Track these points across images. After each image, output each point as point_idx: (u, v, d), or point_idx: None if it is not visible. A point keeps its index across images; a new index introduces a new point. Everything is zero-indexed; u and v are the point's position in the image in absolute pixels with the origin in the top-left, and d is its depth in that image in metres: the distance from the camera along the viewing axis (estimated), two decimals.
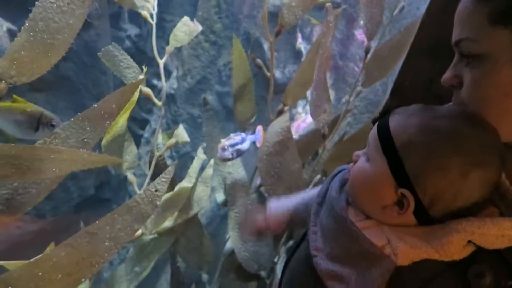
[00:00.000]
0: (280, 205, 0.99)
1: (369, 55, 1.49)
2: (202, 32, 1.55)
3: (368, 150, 0.72)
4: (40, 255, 1.00)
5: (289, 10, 1.22)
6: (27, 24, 0.80)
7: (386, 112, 0.72)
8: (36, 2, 0.83)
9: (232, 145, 1.26)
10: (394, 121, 0.68)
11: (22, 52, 0.80)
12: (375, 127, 0.71)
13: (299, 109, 1.78)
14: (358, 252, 0.67)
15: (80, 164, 0.91)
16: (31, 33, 0.80)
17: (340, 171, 0.87)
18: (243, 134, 1.30)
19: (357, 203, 0.73)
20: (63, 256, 1.01)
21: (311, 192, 1.05)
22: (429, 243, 0.62)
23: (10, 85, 0.83)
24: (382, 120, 0.70)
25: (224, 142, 1.26)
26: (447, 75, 0.73)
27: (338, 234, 0.71)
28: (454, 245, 0.61)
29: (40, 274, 0.99)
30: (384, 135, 0.67)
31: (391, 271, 0.63)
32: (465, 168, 0.61)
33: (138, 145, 1.91)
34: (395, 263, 0.62)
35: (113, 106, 1.00)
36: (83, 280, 1.07)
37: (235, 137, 1.28)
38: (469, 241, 0.61)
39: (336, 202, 0.74)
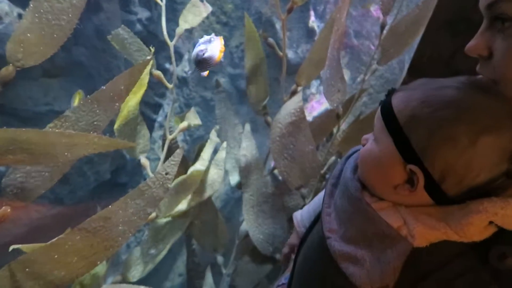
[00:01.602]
0: (304, 216, 1.00)
1: (384, 31, 1.43)
2: (213, 13, 1.52)
3: (374, 131, 0.70)
4: (56, 238, 1.01)
5: None
6: (31, 5, 0.79)
7: (390, 92, 0.70)
8: None
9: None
10: (397, 97, 0.66)
11: (28, 34, 0.79)
12: (378, 107, 0.69)
13: (313, 90, 1.74)
14: (373, 234, 0.65)
15: (91, 147, 0.91)
16: (36, 14, 0.79)
17: (355, 151, 0.85)
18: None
19: (369, 186, 0.71)
20: (78, 239, 1.02)
21: (312, 203, 1.04)
22: (448, 224, 0.60)
23: (17, 68, 0.83)
24: (385, 100, 0.68)
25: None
26: (473, 43, 0.67)
27: (353, 215, 0.70)
28: (474, 226, 0.58)
29: (56, 256, 1.01)
30: (387, 113, 0.65)
31: (407, 252, 0.61)
32: (472, 135, 0.58)
33: (151, 129, 1.91)
34: (412, 244, 0.60)
35: (122, 87, 0.99)
36: (98, 262, 1.09)
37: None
38: (490, 222, 0.59)
39: (351, 183, 0.72)
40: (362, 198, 0.68)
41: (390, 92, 0.70)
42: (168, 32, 1.39)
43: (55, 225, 1.74)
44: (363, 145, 0.75)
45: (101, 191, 1.88)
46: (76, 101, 1.42)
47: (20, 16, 1.34)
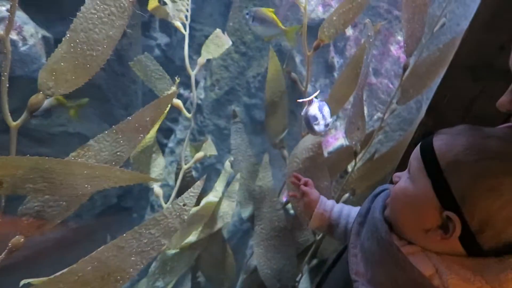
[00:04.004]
0: (327, 202, 1.03)
1: (406, 72, 1.43)
2: (232, 43, 1.52)
3: (411, 170, 0.68)
4: (66, 269, 0.97)
5: (330, 24, 1.18)
6: (68, 35, 0.77)
7: (428, 133, 0.69)
8: (78, 13, 0.81)
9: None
10: (439, 140, 0.65)
11: (62, 64, 0.78)
12: (417, 147, 0.68)
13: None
14: (404, 281, 0.63)
15: (113, 181, 0.89)
16: (72, 44, 0.78)
17: (382, 190, 0.83)
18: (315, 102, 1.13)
19: (398, 226, 0.70)
20: (89, 270, 0.98)
21: (347, 207, 1.02)
22: (484, 277, 0.58)
23: (47, 97, 0.81)
24: (425, 140, 0.67)
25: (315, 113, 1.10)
26: (504, 100, 0.68)
27: (383, 260, 0.67)
28: None
29: None
30: (428, 155, 0.64)
31: None
32: None
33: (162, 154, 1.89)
34: None
35: (147, 119, 0.97)
36: None
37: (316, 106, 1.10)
38: None
39: (381, 225, 0.70)
40: (393, 242, 0.66)
41: (429, 134, 0.69)
42: (183, 58, 1.39)
43: (57, 246, 1.70)
44: (395, 183, 0.73)
45: (107, 215, 1.84)
46: (72, 113, 1.37)
47: (44, 38, 1.34)
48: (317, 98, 1.11)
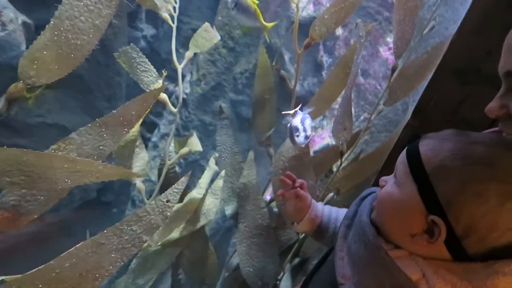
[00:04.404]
0: (318, 206, 1.01)
1: (395, 74, 1.44)
2: (220, 37, 1.49)
3: (397, 175, 0.68)
4: (43, 266, 0.94)
5: (322, 22, 1.17)
6: (52, 22, 0.73)
7: (415, 137, 0.68)
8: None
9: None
10: (425, 145, 0.64)
11: (45, 52, 0.74)
12: (404, 152, 0.68)
13: (315, 124, 1.73)
14: (391, 286, 0.62)
15: (94, 176, 0.85)
16: (56, 32, 0.74)
17: (369, 193, 0.83)
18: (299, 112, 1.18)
19: (384, 230, 0.69)
20: (67, 267, 0.95)
21: (334, 209, 1.01)
22: (470, 283, 0.58)
23: (28, 86, 0.77)
24: (411, 145, 0.67)
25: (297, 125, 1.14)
26: (493, 105, 0.68)
27: (370, 263, 0.67)
28: None
29: (40, 286, 0.94)
30: (414, 160, 0.64)
31: None
32: (502, 196, 0.56)
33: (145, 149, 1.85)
34: None
35: (133, 113, 0.94)
36: None
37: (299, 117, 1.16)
38: None
39: (368, 228, 0.70)
40: (380, 245, 0.66)
41: (415, 138, 0.69)
42: (169, 51, 1.35)
43: (33, 241, 1.64)
44: (382, 187, 0.73)
45: (85, 209, 1.79)
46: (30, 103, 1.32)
47: (25, 24, 1.28)
48: (302, 110, 1.15)
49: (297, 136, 1.13)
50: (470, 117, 1.35)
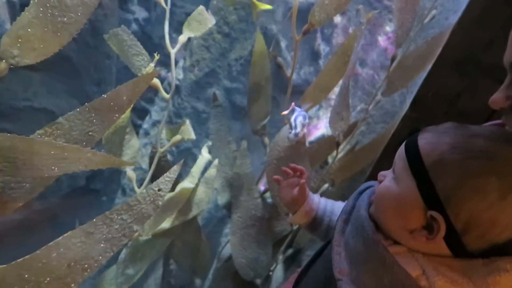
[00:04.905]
0: (314, 198, 0.98)
1: (394, 63, 1.41)
2: (215, 22, 1.44)
3: (395, 169, 0.67)
4: (28, 256, 0.90)
5: (322, 8, 1.13)
6: None
7: (414, 130, 0.67)
8: None
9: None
10: (424, 139, 0.63)
11: (29, 30, 0.69)
12: (402, 146, 0.67)
13: (311, 114, 1.70)
14: (390, 282, 0.61)
15: (83, 163, 0.81)
16: (41, 8, 0.69)
17: (367, 187, 0.81)
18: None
19: (383, 226, 0.68)
20: (54, 257, 0.91)
21: (329, 202, 0.99)
22: (472, 280, 0.57)
23: (11, 66, 0.72)
24: (410, 139, 0.65)
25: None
26: (498, 96, 0.66)
27: (368, 259, 0.65)
28: (501, 286, 0.55)
29: (26, 276, 0.90)
30: (413, 154, 0.62)
31: None
32: (503, 190, 0.55)
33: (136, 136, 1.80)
34: None
35: (124, 98, 0.89)
36: (73, 285, 0.97)
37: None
38: None
39: (367, 223, 0.68)
40: (379, 241, 0.64)
41: (414, 131, 0.67)
42: (161, 36, 1.30)
43: (19, 230, 1.60)
44: (380, 182, 0.72)
45: (74, 197, 1.74)
46: None
47: (9, 1, 1.21)
48: (299, 107, 1.18)
49: (289, 133, 1.17)
50: (468, 109, 1.34)
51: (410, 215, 0.62)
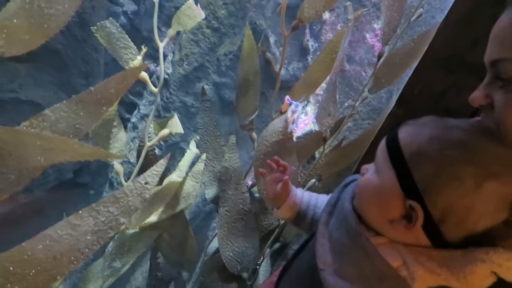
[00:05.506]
0: (298, 193, 0.99)
1: (381, 60, 1.42)
2: (204, 17, 1.44)
3: (377, 162, 0.69)
4: (14, 248, 0.90)
5: (311, 4, 1.14)
6: None
7: (398, 125, 0.69)
8: None
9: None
10: (404, 131, 0.65)
11: (15, 20, 0.69)
12: (384, 139, 0.69)
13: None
14: (371, 271, 0.63)
15: (69, 155, 0.81)
16: (27, 0, 0.69)
17: (352, 181, 0.83)
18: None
19: (365, 217, 0.70)
20: (40, 249, 0.91)
21: (313, 196, 1.01)
22: (450, 270, 0.59)
23: None
24: (391, 132, 0.68)
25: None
26: (477, 94, 0.68)
27: (351, 250, 0.67)
28: (478, 275, 0.58)
29: (11, 268, 0.89)
30: (393, 146, 0.65)
31: None
32: (478, 178, 0.57)
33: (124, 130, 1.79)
34: (411, 287, 0.59)
35: (112, 91, 0.89)
36: (59, 277, 0.97)
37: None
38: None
39: (350, 215, 0.70)
40: (362, 232, 0.66)
41: (398, 125, 0.69)
42: (150, 29, 1.30)
43: (3, 223, 1.58)
44: (363, 175, 0.74)
45: (61, 190, 1.73)
46: None
47: None
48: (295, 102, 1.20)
49: (290, 122, 1.20)
50: (453, 106, 1.36)
51: (390, 205, 0.64)
